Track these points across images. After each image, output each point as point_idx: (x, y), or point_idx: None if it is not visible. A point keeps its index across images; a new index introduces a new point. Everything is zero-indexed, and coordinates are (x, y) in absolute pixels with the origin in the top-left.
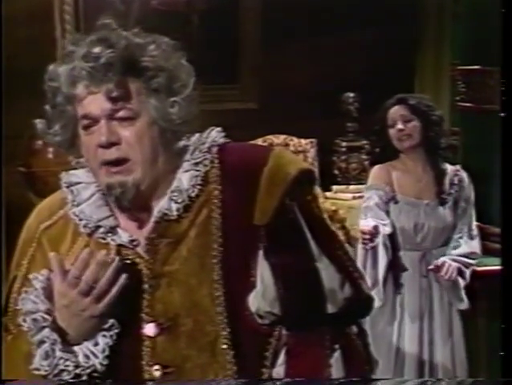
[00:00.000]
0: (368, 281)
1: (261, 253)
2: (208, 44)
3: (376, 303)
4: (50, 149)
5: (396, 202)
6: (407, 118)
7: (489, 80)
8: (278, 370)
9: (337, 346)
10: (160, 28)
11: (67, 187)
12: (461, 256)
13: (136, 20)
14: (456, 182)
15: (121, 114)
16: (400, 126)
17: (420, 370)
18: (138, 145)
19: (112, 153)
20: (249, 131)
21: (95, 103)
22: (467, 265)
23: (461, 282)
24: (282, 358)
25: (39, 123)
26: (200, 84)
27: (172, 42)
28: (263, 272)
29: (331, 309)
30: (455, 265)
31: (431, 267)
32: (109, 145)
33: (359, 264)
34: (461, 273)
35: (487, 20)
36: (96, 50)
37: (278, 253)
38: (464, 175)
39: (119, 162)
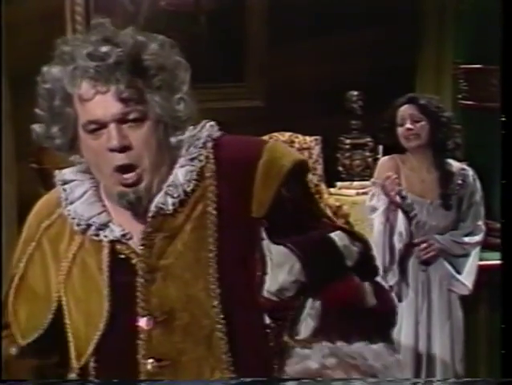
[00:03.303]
0: (386, 258)
1: (266, 242)
2: (215, 44)
3: (392, 281)
4: None
5: (403, 197)
6: (416, 117)
7: (491, 79)
8: (315, 306)
9: (366, 284)
10: (169, 28)
11: (61, 185)
12: (454, 240)
13: (145, 20)
14: (460, 181)
15: (132, 116)
16: (408, 125)
17: (416, 363)
18: (147, 148)
19: (123, 158)
20: (255, 129)
21: (104, 105)
22: (456, 250)
23: (448, 265)
24: (312, 302)
25: (37, 128)
26: (206, 83)
27: (168, 40)
28: (279, 255)
29: (349, 263)
30: (437, 245)
31: (416, 241)
32: (122, 149)
33: (379, 243)
34: (447, 258)
35: (489, 19)
36: (104, 49)
37: (286, 237)
38: (469, 173)
39: (129, 168)
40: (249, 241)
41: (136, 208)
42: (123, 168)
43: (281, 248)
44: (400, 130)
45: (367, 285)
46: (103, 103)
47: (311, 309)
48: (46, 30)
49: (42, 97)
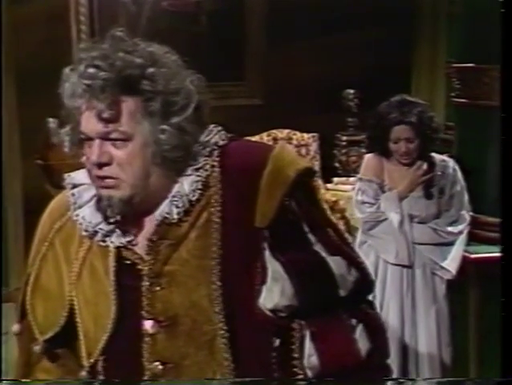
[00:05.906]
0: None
1: (267, 253)
2: (216, 43)
3: (406, 262)
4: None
5: (384, 192)
6: (410, 140)
7: (484, 77)
8: (311, 361)
9: (354, 321)
10: (170, 28)
11: (70, 189)
12: (435, 229)
13: (148, 20)
14: (441, 172)
15: (113, 136)
16: (403, 148)
17: (402, 348)
18: (129, 166)
19: (104, 171)
20: (254, 126)
21: (90, 122)
22: (437, 240)
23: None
24: (309, 348)
25: (51, 123)
26: (206, 82)
27: (180, 62)
28: (275, 270)
29: (343, 293)
30: None
31: None
32: (100, 165)
33: (396, 229)
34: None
35: (482, 19)
36: (91, 70)
37: (285, 252)
38: (449, 164)
39: (108, 177)
40: (252, 249)
41: (109, 214)
42: (103, 177)
43: (277, 264)
44: (393, 146)
45: (360, 328)
46: (89, 119)
47: (309, 364)
48: (51, 30)
49: (61, 95)
